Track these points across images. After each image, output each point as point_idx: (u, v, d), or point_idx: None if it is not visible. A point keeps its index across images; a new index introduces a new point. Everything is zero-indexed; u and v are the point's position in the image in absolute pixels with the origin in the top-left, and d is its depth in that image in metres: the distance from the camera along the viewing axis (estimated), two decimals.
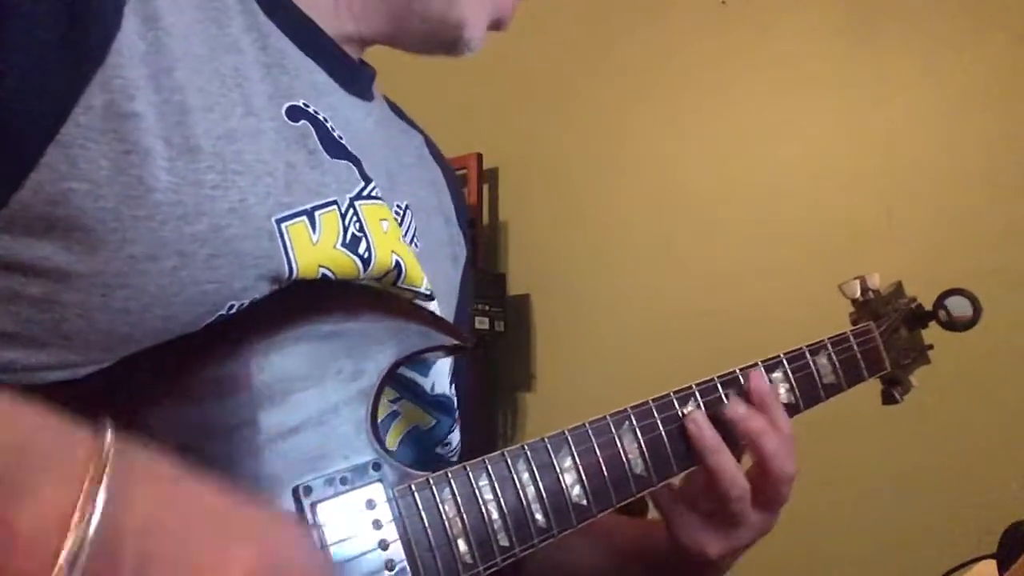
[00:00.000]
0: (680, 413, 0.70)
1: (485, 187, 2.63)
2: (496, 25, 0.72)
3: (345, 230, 0.58)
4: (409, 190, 0.72)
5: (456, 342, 0.62)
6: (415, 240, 0.70)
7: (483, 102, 2.64)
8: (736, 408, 0.70)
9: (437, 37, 0.69)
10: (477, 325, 2.40)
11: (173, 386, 0.50)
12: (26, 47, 0.45)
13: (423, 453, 0.65)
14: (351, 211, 0.60)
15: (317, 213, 0.56)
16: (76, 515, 0.36)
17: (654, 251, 2.34)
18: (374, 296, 0.61)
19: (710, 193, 2.27)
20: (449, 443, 0.67)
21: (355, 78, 0.68)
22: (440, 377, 0.66)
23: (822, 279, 0.99)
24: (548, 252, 2.53)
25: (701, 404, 0.71)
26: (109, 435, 0.39)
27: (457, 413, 0.69)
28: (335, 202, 0.58)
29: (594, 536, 0.76)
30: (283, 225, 0.54)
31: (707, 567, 0.73)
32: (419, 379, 0.65)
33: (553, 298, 2.51)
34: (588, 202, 2.46)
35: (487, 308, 2.44)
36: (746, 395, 0.72)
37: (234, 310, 0.52)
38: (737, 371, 0.74)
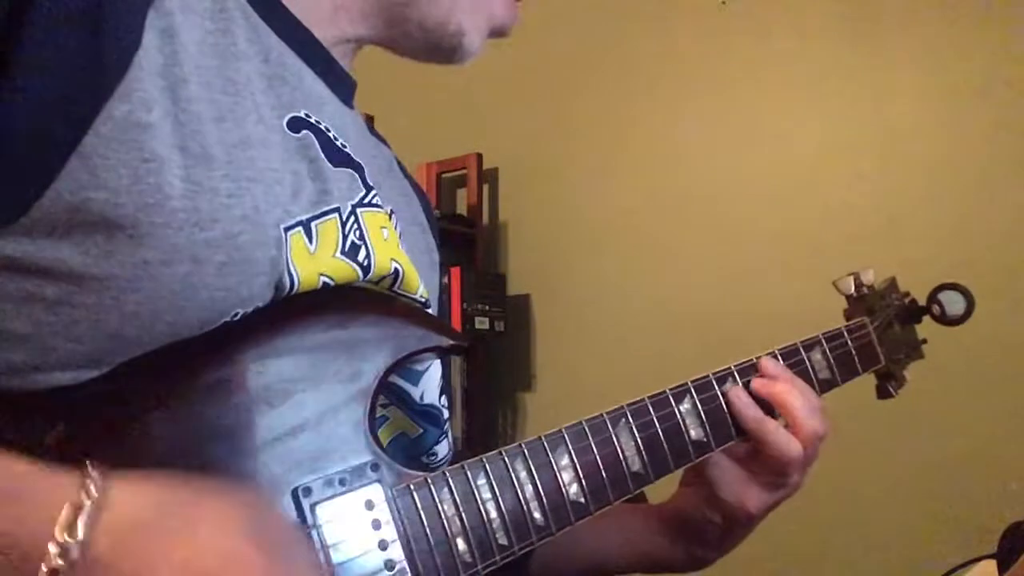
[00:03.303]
0: (676, 410, 0.71)
1: (485, 187, 2.63)
2: (498, 32, 0.73)
3: (344, 238, 0.59)
4: (390, 196, 0.72)
5: (453, 342, 0.62)
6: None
7: (483, 102, 2.64)
8: (759, 380, 0.75)
9: (435, 44, 0.70)
10: (477, 325, 2.40)
11: (173, 389, 0.50)
12: (51, 62, 0.46)
13: (409, 461, 0.64)
14: (352, 218, 0.60)
15: (314, 224, 0.57)
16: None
17: (654, 251, 2.35)
18: (371, 297, 0.61)
19: (710, 193, 2.27)
20: (435, 454, 0.67)
21: (344, 87, 0.69)
22: (430, 387, 0.66)
23: (822, 278, 0.99)
24: (548, 252, 2.53)
25: (697, 401, 0.72)
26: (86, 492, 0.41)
27: (447, 425, 0.69)
28: (336, 210, 0.59)
29: (604, 521, 0.78)
30: (288, 234, 0.54)
31: (743, 524, 0.77)
32: (408, 388, 0.65)
33: (553, 298, 2.52)
34: (588, 202, 2.47)
35: (487, 308, 2.43)
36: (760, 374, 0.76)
37: (238, 317, 0.52)
38: (732, 367, 0.76)
